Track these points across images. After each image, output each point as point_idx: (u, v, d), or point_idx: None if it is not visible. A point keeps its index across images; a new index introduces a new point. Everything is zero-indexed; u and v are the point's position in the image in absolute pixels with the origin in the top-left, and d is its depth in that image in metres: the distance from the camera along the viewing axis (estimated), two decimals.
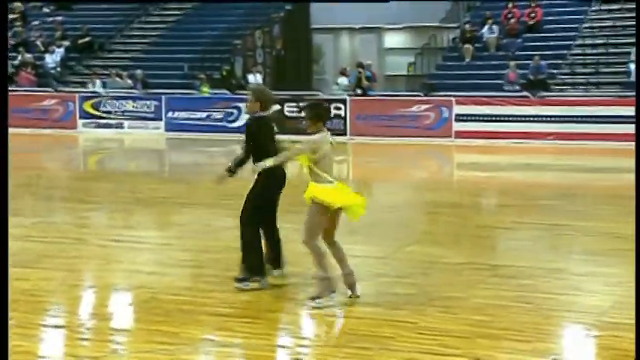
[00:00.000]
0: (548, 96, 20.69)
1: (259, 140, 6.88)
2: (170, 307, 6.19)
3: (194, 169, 16.24)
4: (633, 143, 18.37)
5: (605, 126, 18.96)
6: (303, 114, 6.45)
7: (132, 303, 6.52)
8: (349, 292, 6.36)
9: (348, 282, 6.36)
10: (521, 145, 19.24)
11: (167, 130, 22.62)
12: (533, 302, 6.26)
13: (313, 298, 6.24)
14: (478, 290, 6.62)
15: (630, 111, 18.83)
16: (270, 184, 6.84)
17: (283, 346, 5.58)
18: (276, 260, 6.95)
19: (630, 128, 18.63)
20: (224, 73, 25.53)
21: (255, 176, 6.80)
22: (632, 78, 20.68)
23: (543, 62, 21.81)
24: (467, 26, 24.43)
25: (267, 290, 6.63)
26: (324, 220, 6.27)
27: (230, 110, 22.18)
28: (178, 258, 7.95)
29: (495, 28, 24.07)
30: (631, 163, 16.89)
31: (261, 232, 6.81)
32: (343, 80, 23.61)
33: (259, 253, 6.73)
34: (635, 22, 22.72)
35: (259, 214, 6.82)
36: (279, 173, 6.78)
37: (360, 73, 22.30)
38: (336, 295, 6.28)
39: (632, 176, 14.67)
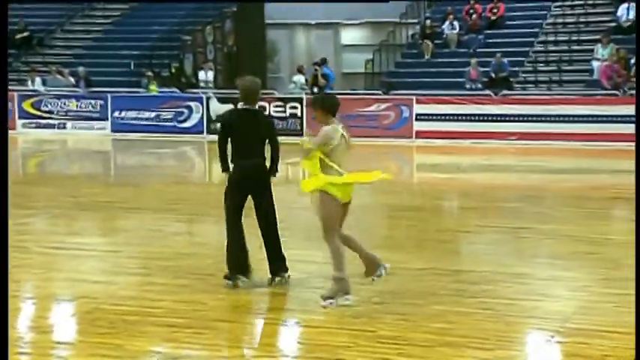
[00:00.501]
0: (510, 94, 20.92)
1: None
2: (115, 318, 6.12)
3: (142, 172, 16.10)
4: (596, 143, 18.74)
5: (569, 125, 19.23)
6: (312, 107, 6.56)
7: (74, 314, 6.43)
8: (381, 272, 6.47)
9: (375, 262, 6.46)
10: (483, 146, 19.43)
11: (113, 130, 22.40)
12: (495, 308, 6.31)
13: (325, 298, 6.30)
14: (439, 297, 6.65)
15: (593, 110, 19.16)
16: (230, 186, 6.97)
17: (234, 358, 5.55)
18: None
19: (594, 128, 18.97)
20: (173, 70, 25.39)
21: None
22: (596, 76, 21.02)
23: (505, 60, 22.06)
24: (427, 22, 24.60)
25: (218, 299, 6.60)
26: (336, 209, 6.28)
27: (180, 110, 22.05)
28: (125, 266, 7.87)
29: (456, 24, 24.30)
30: (594, 163, 17.23)
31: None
32: (300, 78, 23.62)
33: (233, 253, 6.87)
34: (601, 19, 23.16)
35: (229, 214, 6.95)
36: (239, 176, 6.78)
37: (316, 70, 22.32)
38: (350, 297, 6.32)
39: (595, 177, 14.95)
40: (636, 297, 5.58)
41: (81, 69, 23.80)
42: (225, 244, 6.98)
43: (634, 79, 20.00)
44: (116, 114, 22.44)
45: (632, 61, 20.38)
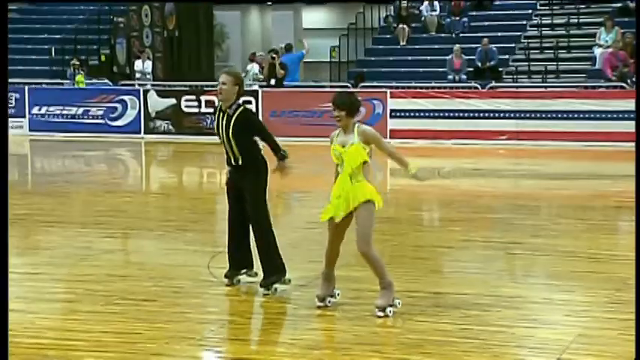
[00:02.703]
0: (499, 87, 21.10)
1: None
2: (31, 353, 6.07)
3: (66, 179, 15.99)
4: (599, 144, 18.93)
5: (567, 123, 19.41)
6: (335, 104, 6.97)
7: None
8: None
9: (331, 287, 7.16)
10: (468, 147, 19.56)
11: (32, 129, 22.21)
12: (481, 337, 6.36)
13: (384, 309, 6.74)
14: (415, 324, 6.69)
15: (596, 105, 19.32)
16: (265, 183, 7.62)
17: None
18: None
19: (596, 125, 19.15)
20: (103, 58, 25.27)
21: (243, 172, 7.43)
22: (598, 65, 21.24)
23: (493, 46, 22.25)
24: (403, 3, 24.74)
25: (155, 328, 6.57)
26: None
27: (113, 105, 21.95)
28: (45, 290, 7.82)
29: (437, 4, 24.48)
30: (596, 167, 17.42)
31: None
32: (253, 68, 23.63)
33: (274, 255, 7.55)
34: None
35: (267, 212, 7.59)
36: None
37: (273, 59, 22.34)
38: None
39: (598, 183, 15.12)
40: (636, 298, 5.64)
41: None
42: (261, 246, 7.46)
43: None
44: (35, 110, 22.26)
45: None
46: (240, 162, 7.40)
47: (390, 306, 6.81)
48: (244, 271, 7.70)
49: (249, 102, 20.93)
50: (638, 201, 8.39)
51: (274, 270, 7.41)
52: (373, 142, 6.89)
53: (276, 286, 7.42)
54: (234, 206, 7.58)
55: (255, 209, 7.42)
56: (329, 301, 7.03)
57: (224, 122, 7.40)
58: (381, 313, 6.75)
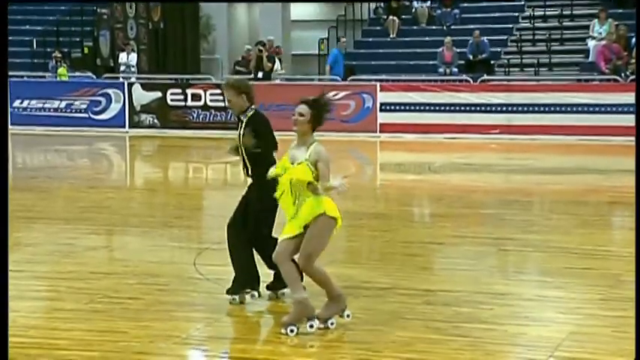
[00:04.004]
0: (491, 80, 21.13)
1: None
2: (13, 352, 6.04)
3: (48, 174, 15.95)
4: (592, 137, 18.97)
5: (560, 116, 19.45)
6: (301, 109, 6.55)
7: None
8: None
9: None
10: (459, 141, 19.58)
11: (13, 123, 22.09)
12: (473, 335, 6.37)
13: (325, 320, 6.38)
14: (406, 321, 6.69)
15: (589, 98, 19.36)
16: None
17: None
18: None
19: (589, 119, 19.19)
20: (86, 50, 25.18)
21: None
22: (592, 58, 21.28)
23: (485, 39, 22.27)
24: None
25: (140, 327, 6.56)
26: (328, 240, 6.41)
27: (96, 99, 21.90)
28: (27, 288, 7.80)
29: None
30: (589, 161, 17.46)
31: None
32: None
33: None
34: None
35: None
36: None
37: (260, 52, 22.33)
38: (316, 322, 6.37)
39: (591, 178, 15.15)
40: (636, 298, 5.65)
41: None
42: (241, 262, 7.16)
43: (632, 62, 20.24)
44: (17, 103, 22.18)
45: (634, 40, 20.58)
46: (249, 172, 7.18)
47: (341, 316, 6.45)
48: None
49: None
50: (638, 198, 8.40)
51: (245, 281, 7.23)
52: (320, 168, 6.33)
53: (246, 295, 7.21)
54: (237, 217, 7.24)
55: (256, 225, 7.11)
56: (331, 323, 6.50)
57: (240, 130, 7.22)
58: (321, 325, 6.35)
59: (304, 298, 6.35)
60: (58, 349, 6.14)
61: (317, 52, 27.98)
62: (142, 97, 21.65)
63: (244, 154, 7.16)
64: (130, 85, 21.93)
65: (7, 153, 5.91)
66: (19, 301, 7.39)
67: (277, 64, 23.82)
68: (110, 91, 21.91)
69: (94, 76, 23.45)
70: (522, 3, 24.48)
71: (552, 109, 19.55)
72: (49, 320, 6.85)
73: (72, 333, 6.47)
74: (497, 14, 23.99)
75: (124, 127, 21.66)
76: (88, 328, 6.54)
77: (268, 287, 7.28)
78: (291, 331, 6.28)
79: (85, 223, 10.74)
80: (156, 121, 21.57)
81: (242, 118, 7.26)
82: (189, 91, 21.39)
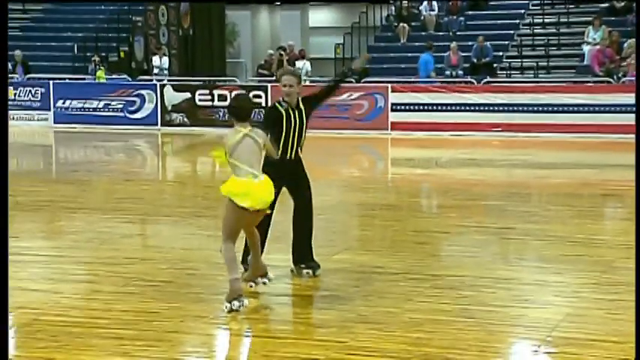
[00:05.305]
0: (493, 82, 21.06)
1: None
2: (57, 330, 6.08)
3: (87, 168, 15.99)
4: (587, 135, 18.91)
5: (557, 115, 19.39)
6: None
7: (11, 326, 6.36)
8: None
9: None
10: (464, 138, 19.54)
11: (56, 121, 22.23)
12: (477, 316, 6.36)
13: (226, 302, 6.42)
14: (416, 304, 6.69)
15: (584, 99, 19.31)
16: None
17: None
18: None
19: (584, 118, 19.14)
20: (122, 54, 25.24)
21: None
22: (587, 61, 21.22)
23: (488, 44, 22.20)
24: (403, 2, 24.69)
25: (172, 308, 6.58)
26: (236, 219, 6.56)
27: (131, 99, 21.94)
28: (69, 272, 7.83)
29: (435, 4, 24.41)
30: (584, 157, 17.40)
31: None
32: (305, 65, 23.53)
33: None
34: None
35: None
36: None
37: (281, 55, 22.32)
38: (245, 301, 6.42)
39: (586, 172, 15.09)
40: (636, 298, 5.64)
41: (17, 52, 23.51)
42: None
43: (624, 65, 20.25)
44: (59, 103, 22.27)
45: (625, 44, 20.64)
46: (299, 150, 7.52)
47: (230, 302, 6.39)
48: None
49: (259, 96, 20.95)
50: (638, 194, 8.36)
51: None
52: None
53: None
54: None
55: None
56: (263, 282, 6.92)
57: (297, 118, 7.38)
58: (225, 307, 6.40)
59: (235, 278, 6.46)
60: (97, 328, 6.16)
61: (333, 56, 27.96)
62: (172, 97, 21.68)
63: (303, 132, 7.44)
64: (162, 86, 21.96)
65: (7, 152, 5.82)
66: (63, 283, 7.43)
67: (307, 65, 23.80)
68: (144, 92, 21.94)
69: (129, 79, 23.49)
70: (523, 11, 24.38)
71: (550, 108, 19.50)
72: (88, 301, 6.87)
73: (110, 313, 6.49)
74: (499, 21, 23.91)
75: (156, 125, 21.70)
76: (124, 309, 6.57)
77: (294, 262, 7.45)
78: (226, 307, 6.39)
79: (121, 213, 10.76)
80: (185, 119, 21.60)
81: (293, 107, 7.33)
82: (215, 92, 21.41)
